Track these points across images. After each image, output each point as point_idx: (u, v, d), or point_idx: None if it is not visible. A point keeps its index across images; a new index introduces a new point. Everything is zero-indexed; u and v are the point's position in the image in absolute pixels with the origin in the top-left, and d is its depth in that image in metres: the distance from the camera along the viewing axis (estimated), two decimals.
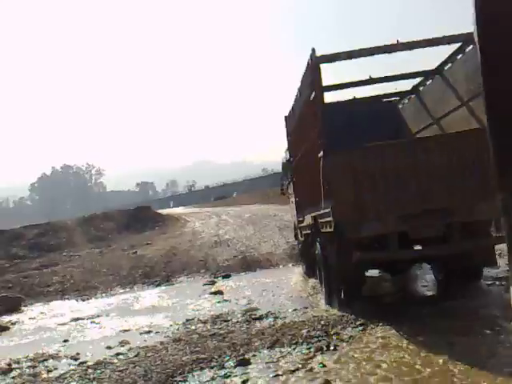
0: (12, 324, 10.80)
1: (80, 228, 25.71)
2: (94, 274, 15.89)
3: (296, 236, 13.49)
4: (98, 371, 6.29)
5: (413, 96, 11.02)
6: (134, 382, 5.68)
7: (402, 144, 8.36)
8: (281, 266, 15.06)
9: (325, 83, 8.15)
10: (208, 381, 5.46)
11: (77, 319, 10.41)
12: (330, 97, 10.26)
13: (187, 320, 8.99)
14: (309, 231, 10.31)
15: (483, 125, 4.74)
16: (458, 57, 8.46)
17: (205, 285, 13.30)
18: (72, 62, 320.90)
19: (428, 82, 10.14)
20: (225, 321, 8.64)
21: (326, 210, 7.72)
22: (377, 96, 11.74)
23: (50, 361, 7.24)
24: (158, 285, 14.42)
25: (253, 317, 8.70)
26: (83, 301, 13.15)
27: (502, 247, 7.52)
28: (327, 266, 8.49)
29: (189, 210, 40.74)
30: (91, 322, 9.96)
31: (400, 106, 11.66)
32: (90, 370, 6.38)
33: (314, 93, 7.96)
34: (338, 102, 11.18)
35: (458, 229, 7.36)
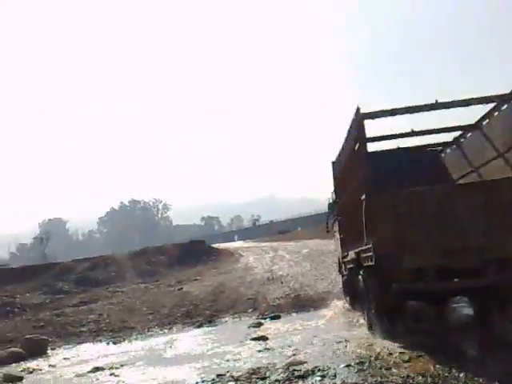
0: (29, 373, 9.58)
1: (131, 262, 24.95)
2: (132, 312, 14.74)
3: (340, 270, 14.10)
4: None
5: (454, 146, 11.74)
6: None
7: (438, 190, 8.94)
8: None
9: (369, 134, 9.17)
10: None
11: (97, 369, 9.08)
12: (374, 146, 11.16)
13: (218, 375, 7.48)
14: (352, 265, 10.90)
15: None
16: (495, 114, 9.38)
17: (250, 327, 11.79)
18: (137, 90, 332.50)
19: (468, 135, 10.94)
20: (261, 378, 7.09)
21: (368, 246, 8.32)
22: (420, 146, 12.53)
23: None
24: (200, 325, 13.00)
25: (296, 374, 7.12)
26: (115, 344, 11.87)
27: None
28: (369, 297, 9.06)
29: (246, 245, 39.50)
30: (110, 374, 8.59)
31: (442, 155, 12.37)
32: None
33: (357, 144, 8.79)
34: (383, 150, 12.10)
35: (493, 264, 7.95)
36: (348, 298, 13.06)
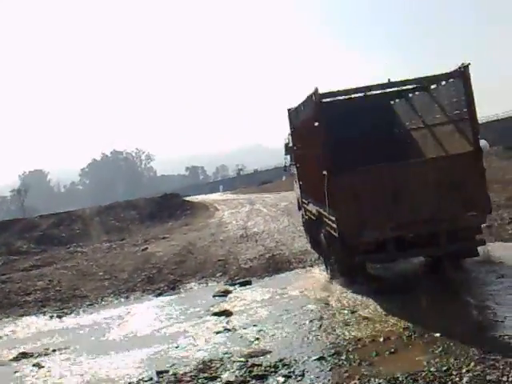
0: None
1: (99, 218, 23.26)
2: (87, 277, 13.16)
3: (299, 208, 14.35)
4: None
5: (403, 99, 12.05)
6: None
7: (394, 167, 9.22)
8: (316, 269, 11.71)
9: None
10: None
11: (23, 356, 7.60)
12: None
13: (158, 373, 6.04)
14: (313, 218, 11.29)
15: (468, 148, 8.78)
16: (443, 83, 9.76)
17: (215, 296, 10.31)
18: (121, 46, 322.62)
19: (416, 92, 11.29)
20: (210, 379, 5.66)
21: (332, 218, 8.92)
22: (370, 95, 11.75)
23: None
24: (160, 294, 11.43)
25: (254, 372, 5.73)
26: (59, 317, 10.32)
27: None
28: (331, 254, 9.87)
29: (224, 197, 37.82)
30: (34, 365, 7.10)
31: (392, 102, 12.55)
32: None
33: (317, 123, 9.08)
34: (338, 99, 11.19)
35: (444, 235, 8.77)
36: (309, 237, 13.55)
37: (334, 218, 8.81)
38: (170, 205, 25.14)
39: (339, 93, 9.78)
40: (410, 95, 11.70)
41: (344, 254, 9.11)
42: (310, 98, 9.40)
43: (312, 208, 11.44)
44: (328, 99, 9.76)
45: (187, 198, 30.61)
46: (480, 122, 10.41)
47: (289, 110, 12.92)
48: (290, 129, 13.45)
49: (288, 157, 15.55)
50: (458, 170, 8.71)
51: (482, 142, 11.29)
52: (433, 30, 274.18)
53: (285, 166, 16.15)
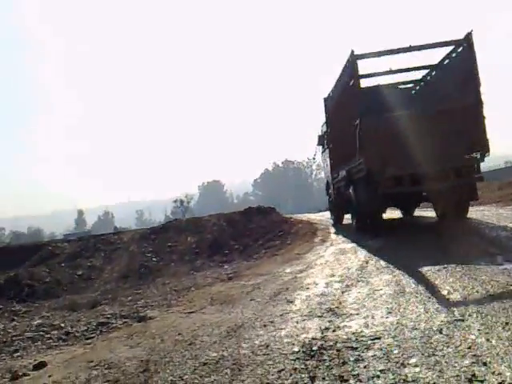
0: None
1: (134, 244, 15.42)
2: None
3: (328, 192, 18.19)
4: None
5: (422, 83, 15.14)
6: None
7: (410, 115, 11.52)
8: None
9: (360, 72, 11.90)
10: None
11: None
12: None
13: None
14: (343, 183, 14.34)
15: (468, 103, 11.09)
16: (453, 55, 12.31)
17: None
18: None
19: (433, 73, 14.14)
20: None
21: (360, 161, 11.44)
22: (395, 83, 15.45)
23: None
24: None
25: None
26: None
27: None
28: (358, 201, 12.39)
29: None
30: None
31: (412, 92, 15.52)
32: None
33: (352, 80, 11.69)
34: (367, 87, 14.08)
35: (451, 171, 11.06)
36: (334, 216, 17.73)
37: (362, 160, 11.23)
38: (252, 227, 15.98)
39: (372, 54, 11.80)
40: (428, 78, 14.56)
41: (370, 193, 11.52)
42: (347, 60, 11.89)
43: (341, 173, 14.35)
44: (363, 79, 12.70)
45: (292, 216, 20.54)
46: None
47: (324, 98, 16.76)
48: (325, 114, 17.03)
49: (319, 147, 18.73)
50: (463, 118, 10.91)
51: None
52: None
53: (314, 155, 19.73)
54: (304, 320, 5.85)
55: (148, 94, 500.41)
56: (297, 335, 5.32)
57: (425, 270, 7.48)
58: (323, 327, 5.44)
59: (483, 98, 11.25)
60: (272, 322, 5.98)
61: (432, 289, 6.32)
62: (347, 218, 16.01)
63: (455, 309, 5.35)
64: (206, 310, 7.35)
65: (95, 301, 10.78)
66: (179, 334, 6.02)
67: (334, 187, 16.57)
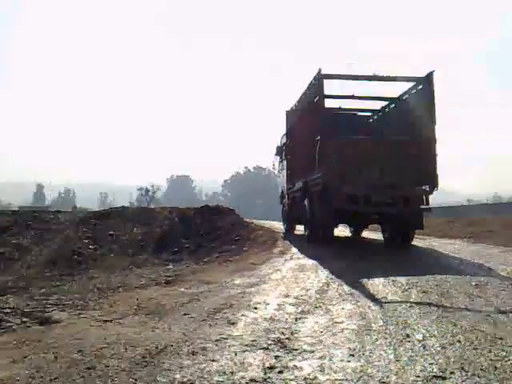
0: None
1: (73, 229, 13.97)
2: None
3: (281, 201, 18.76)
4: None
5: (380, 113, 15.54)
6: None
7: (367, 141, 12.46)
8: None
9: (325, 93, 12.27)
10: None
11: None
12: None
13: None
14: (298, 194, 14.77)
15: (422, 138, 11.93)
16: (413, 91, 12.91)
17: None
18: None
19: (392, 105, 14.67)
20: None
21: (318, 175, 11.98)
22: (355, 109, 16.03)
23: None
24: None
25: None
26: None
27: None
28: (312, 214, 12.75)
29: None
30: None
31: (370, 120, 15.96)
32: None
33: (317, 97, 12.19)
34: (329, 107, 13.93)
35: (400, 199, 11.63)
36: (286, 224, 17.94)
37: (320, 174, 11.76)
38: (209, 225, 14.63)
39: (337, 76, 12.43)
40: (387, 109, 15.08)
41: (324, 207, 11.90)
42: (314, 78, 12.30)
43: (298, 185, 14.85)
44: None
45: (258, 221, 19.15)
46: None
47: (287, 111, 17.13)
48: (286, 126, 17.57)
49: (277, 157, 19.20)
50: (416, 151, 11.66)
51: None
52: None
53: (273, 165, 19.96)
54: (245, 351, 4.64)
55: (132, 80, 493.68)
56: (232, 372, 4.13)
57: (395, 305, 6.32)
58: (267, 365, 4.31)
59: (437, 135, 11.82)
60: (204, 348, 4.71)
61: (404, 330, 5.17)
62: (299, 229, 16.15)
63: (433, 361, 4.28)
64: (126, 320, 5.95)
65: (3, 287, 9.24)
66: (80, 351, 4.62)
67: (289, 197, 17.08)
